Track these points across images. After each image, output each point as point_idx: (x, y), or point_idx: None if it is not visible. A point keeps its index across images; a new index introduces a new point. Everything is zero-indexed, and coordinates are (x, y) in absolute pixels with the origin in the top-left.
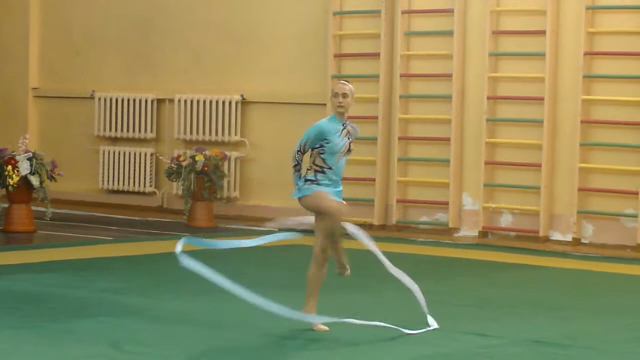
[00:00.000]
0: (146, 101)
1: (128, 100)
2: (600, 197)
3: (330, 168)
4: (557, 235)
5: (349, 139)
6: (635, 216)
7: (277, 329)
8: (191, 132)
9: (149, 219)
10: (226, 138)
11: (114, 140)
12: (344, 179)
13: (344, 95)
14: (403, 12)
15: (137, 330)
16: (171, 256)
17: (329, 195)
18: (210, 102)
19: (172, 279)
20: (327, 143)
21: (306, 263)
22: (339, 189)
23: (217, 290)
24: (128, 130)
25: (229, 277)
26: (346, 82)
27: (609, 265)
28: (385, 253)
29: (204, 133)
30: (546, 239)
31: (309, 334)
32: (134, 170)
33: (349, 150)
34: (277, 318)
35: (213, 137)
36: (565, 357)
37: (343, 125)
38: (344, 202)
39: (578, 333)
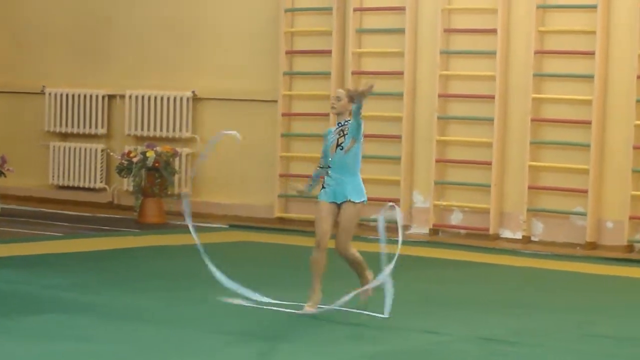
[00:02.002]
0: (97, 97)
1: (79, 96)
2: (550, 195)
3: (329, 167)
4: (507, 233)
5: (340, 135)
6: (584, 214)
7: (227, 325)
8: (142, 128)
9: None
10: (177, 134)
11: (65, 136)
12: (289, 175)
13: (337, 99)
14: (355, 10)
15: (88, 327)
16: (122, 252)
17: (321, 211)
18: (162, 98)
19: (123, 276)
20: (324, 144)
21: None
22: (340, 186)
23: (168, 288)
24: (79, 126)
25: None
26: (342, 89)
27: (559, 263)
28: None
29: (155, 129)
30: (496, 237)
31: (258, 330)
32: (85, 166)
33: (339, 146)
34: (229, 316)
35: (164, 134)
36: (514, 354)
37: (339, 124)
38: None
39: (527, 330)
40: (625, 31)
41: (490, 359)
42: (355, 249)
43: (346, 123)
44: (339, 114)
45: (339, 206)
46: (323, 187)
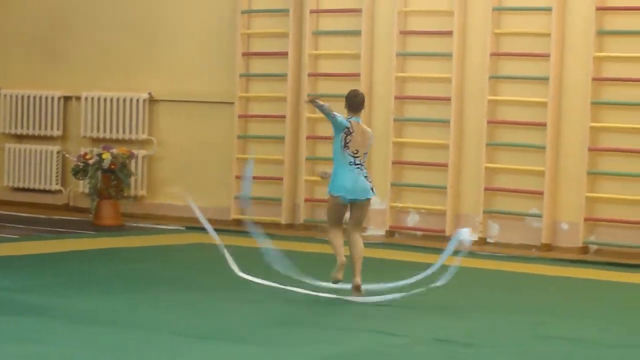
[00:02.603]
0: (53, 98)
1: (34, 97)
2: (506, 197)
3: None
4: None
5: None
6: (540, 216)
7: (185, 327)
8: (98, 130)
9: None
10: (133, 136)
11: (20, 138)
12: (253, 177)
13: None
14: (311, 12)
15: (42, 330)
16: (77, 255)
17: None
18: (118, 100)
19: (78, 278)
20: None
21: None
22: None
23: (124, 290)
24: (34, 128)
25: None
26: None
27: (514, 264)
28: (292, 252)
29: (111, 131)
30: (449, 238)
31: (217, 332)
32: (40, 168)
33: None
34: (186, 317)
35: (120, 135)
36: (468, 355)
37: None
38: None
39: (482, 331)
40: (580, 33)
41: None
42: (331, 235)
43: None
44: None
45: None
46: None
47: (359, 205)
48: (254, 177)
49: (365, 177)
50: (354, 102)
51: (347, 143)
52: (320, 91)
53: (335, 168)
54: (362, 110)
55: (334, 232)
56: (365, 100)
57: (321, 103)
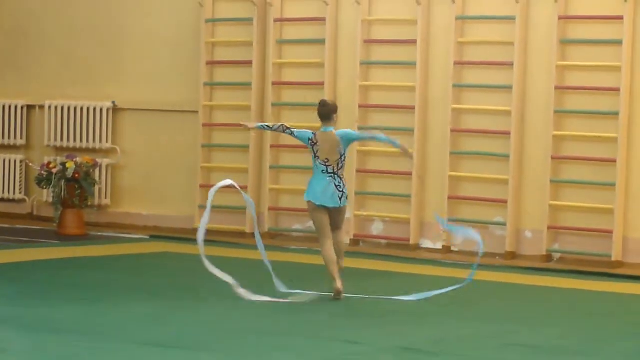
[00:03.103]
0: (16, 107)
1: None
2: (470, 205)
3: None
4: (427, 243)
5: None
6: (504, 224)
7: (150, 336)
8: (62, 139)
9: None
10: (97, 145)
11: None
12: (211, 186)
13: None
14: (275, 20)
15: (4, 339)
16: (41, 264)
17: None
18: (82, 108)
19: (42, 288)
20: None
21: (177, 271)
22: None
23: (88, 299)
24: None
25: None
26: None
27: (478, 272)
28: (256, 261)
29: (74, 140)
30: (416, 247)
31: (180, 342)
32: (3, 177)
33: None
34: (152, 326)
35: (84, 144)
36: None
37: None
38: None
39: (447, 340)
40: (543, 42)
41: None
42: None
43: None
44: None
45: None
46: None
47: (332, 212)
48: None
49: (337, 185)
50: (321, 112)
51: (316, 153)
52: (285, 100)
53: (312, 175)
54: (334, 119)
55: (325, 245)
56: (336, 108)
57: (262, 124)
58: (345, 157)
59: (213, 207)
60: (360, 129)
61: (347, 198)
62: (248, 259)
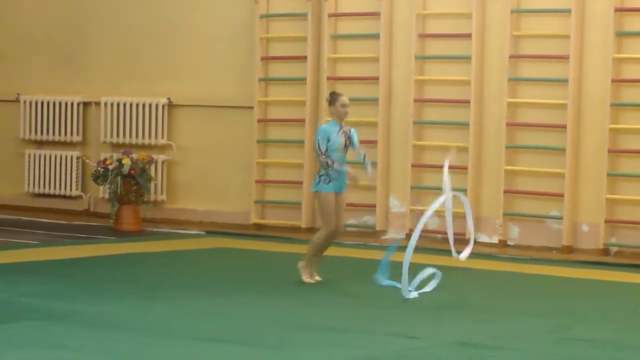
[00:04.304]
0: (72, 104)
1: (54, 103)
2: (526, 199)
3: (333, 162)
4: (483, 237)
5: (344, 137)
6: (560, 218)
7: (204, 332)
8: (118, 135)
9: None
10: (153, 141)
11: (40, 144)
12: (267, 181)
13: (349, 106)
14: (329, 15)
15: (64, 335)
16: (98, 260)
17: (332, 202)
18: (137, 105)
19: (99, 284)
20: (328, 142)
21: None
22: (342, 178)
23: (144, 295)
24: (54, 134)
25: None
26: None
27: (535, 267)
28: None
29: (130, 136)
30: (468, 241)
31: (233, 335)
32: (60, 173)
33: (345, 146)
34: (206, 322)
35: (140, 140)
36: (491, 358)
37: (340, 126)
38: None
39: (504, 335)
40: (599, 35)
41: None
42: None
43: (345, 126)
44: (342, 119)
45: (337, 195)
46: (327, 180)
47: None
48: (274, 182)
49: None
50: None
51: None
52: None
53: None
54: (330, 111)
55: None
56: (330, 98)
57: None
58: (316, 148)
59: (269, 202)
60: (415, 123)
61: (315, 184)
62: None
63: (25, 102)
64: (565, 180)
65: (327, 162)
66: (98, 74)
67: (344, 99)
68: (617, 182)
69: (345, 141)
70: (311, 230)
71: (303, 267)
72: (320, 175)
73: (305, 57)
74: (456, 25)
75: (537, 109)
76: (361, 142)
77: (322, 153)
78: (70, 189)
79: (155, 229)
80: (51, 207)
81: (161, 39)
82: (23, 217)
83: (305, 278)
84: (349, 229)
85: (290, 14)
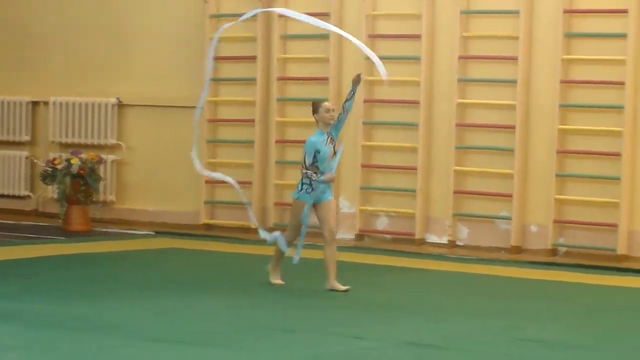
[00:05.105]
0: (21, 104)
1: (2, 103)
2: (475, 200)
3: (322, 172)
4: (433, 238)
5: (332, 144)
6: (509, 218)
7: (154, 331)
8: (67, 135)
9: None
10: (102, 141)
11: None
12: (216, 182)
13: (334, 110)
14: (280, 15)
15: (11, 335)
16: (47, 260)
17: (301, 211)
18: (86, 104)
19: (48, 284)
20: (319, 153)
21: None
22: (327, 188)
23: (93, 295)
24: (2, 133)
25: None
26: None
27: (484, 267)
28: (263, 256)
29: (79, 136)
30: (422, 242)
31: (186, 335)
32: (9, 173)
33: (334, 153)
34: (156, 321)
35: (89, 140)
36: (442, 358)
37: (327, 134)
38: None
39: (454, 335)
40: (548, 36)
41: None
42: None
43: (330, 133)
44: (329, 125)
45: (321, 203)
46: (309, 190)
47: None
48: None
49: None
50: None
51: None
52: (289, 95)
53: None
54: (315, 119)
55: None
56: (312, 108)
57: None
58: (304, 159)
59: (218, 203)
60: (364, 124)
61: (297, 191)
62: (252, 254)
63: None
64: (514, 180)
65: (309, 178)
66: (47, 74)
67: (327, 104)
68: (565, 182)
69: (334, 147)
70: None
71: (272, 268)
72: (304, 184)
73: (255, 57)
74: (406, 26)
75: (486, 110)
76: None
77: (305, 167)
78: (19, 189)
79: (104, 229)
80: None
81: (111, 38)
82: None
83: (274, 280)
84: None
85: (240, 14)
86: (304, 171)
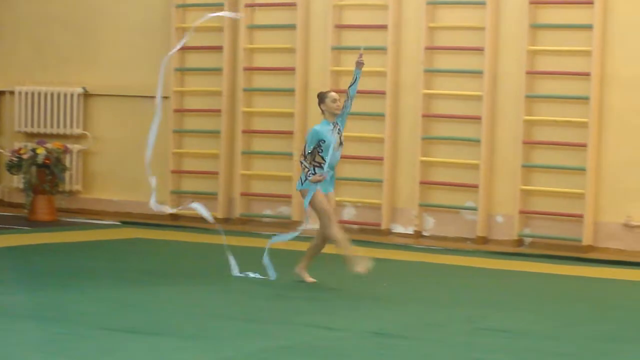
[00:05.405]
0: None
1: None
2: (441, 191)
3: (325, 162)
4: (399, 228)
5: (338, 134)
6: (475, 209)
7: (119, 322)
8: (32, 125)
9: None
10: (68, 131)
11: None
12: (183, 172)
13: (340, 100)
14: (246, 5)
15: None
16: (12, 250)
17: (323, 195)
18: (52, 94)
19: (11, 274)
20: (324, 142)
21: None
22: (332, 178)
23: (59, 285)
24: None
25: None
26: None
27: (450, 257)
28: (228, 247)
29: (45, 126)
30: (388, 232)
31: (149, 326)
32: None
33: (340, 144)
34: (121, 312)
35: (55, 130)
36: (405, 347)
37: (333, 124)
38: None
39: (418, 324)
40: (514, 27)
41: (381, 354)
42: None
43: (337, 123)
44: (335, 115)
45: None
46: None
47: None
48: (190, 172)
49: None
50: None
51: None
52: (256, 85)
53: None
54: (321, 109)
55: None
56: (318, 98)
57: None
58: (304, 149)
59: (185, 193)
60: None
61: (300, 183)
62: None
63: None
64: (480, 171)
65: (306, 171)
66: (12, 63)
67: (333, 94)
68: (531, 173)
69: (340, 138)
70: (227, 221)
71: (301, 270)
72: (307, 174)
73: (222, 47)
74: (372, 17)
75: (452, 101)
76: (279, 132)
77: (304, 156)
78: None
79: (70, 219)
80: None
81: (77, 28)
82: None
83: (307, 278)
84: (264, 219)
85: (206, 4)
86: (301, 160)
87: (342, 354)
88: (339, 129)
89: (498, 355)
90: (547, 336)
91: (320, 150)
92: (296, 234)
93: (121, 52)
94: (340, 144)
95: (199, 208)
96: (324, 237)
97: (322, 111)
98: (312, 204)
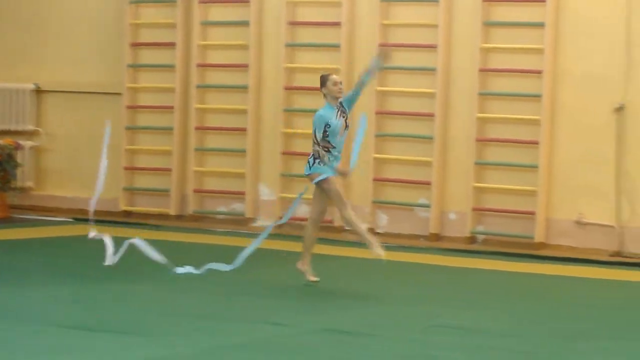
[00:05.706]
0: None
1: None
2: (395, 188)
3: (334, 147)
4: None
5: (343, 117)
6: (428, 206)
7: (71, 319)
8: None
9: None
10: (20, 127)
11: None
12: (135, 168)
13: (341, 83)
14: (200, 2)
15: None
16: None
17: (336, 183)
18: (3, 90)
19: None
20: (329, 127)
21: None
22: (338, 161)
23: (9, 281)
24: None
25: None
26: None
27: (404, 254)
28: (181, 244)
29: None
30: (342, 229)
31: (104, 324)
32: None
33: (346, 127)
34: (74, 308)
35: (6, 126)
36: (359, 345)
37: (336, 108)
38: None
39: (373, 321)
40: (467, 25)
41: (335, 350)
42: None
43: (342, 106)
44: (339, 98)
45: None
46: (325, 164)
47: None
48: (142, 169)
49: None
50: None
51: None
52: (209, 82)
53: None
54: (323, 93)
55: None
56: (320, 81)
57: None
58: (315, 134)
59: (137, 189)
60: (285, 111)
61: (308, 168)
62: (171, 241)
63: None
64: (433, 168)
65: (321, 156)
66: None
67: (334, 77)
68: (484, 170)
69: (345, 121)
70: (180, 217)
71: (302, 266)
72: (315, 158)
73: (175, 44)
74: (326, 14)
75: (406, 98)
76: (232, 129)
77: (316, 142)
78: None
79: (23, 216)
80: None
81: (29, 24)
82: None
83: (310, 277)
84: (218, 216)
85: (159, 1)
86: (315, 148)
87: (297, 351)
88: (342, 112)
89: (454, 353)
90: (503, 334)
91: (326, 135)
92: (283, 221)
93: (74, 48)
94: (346, 127)
95: (140, 244)
96: (315, 225)
97: (324, 95)
98: (326, 189)
